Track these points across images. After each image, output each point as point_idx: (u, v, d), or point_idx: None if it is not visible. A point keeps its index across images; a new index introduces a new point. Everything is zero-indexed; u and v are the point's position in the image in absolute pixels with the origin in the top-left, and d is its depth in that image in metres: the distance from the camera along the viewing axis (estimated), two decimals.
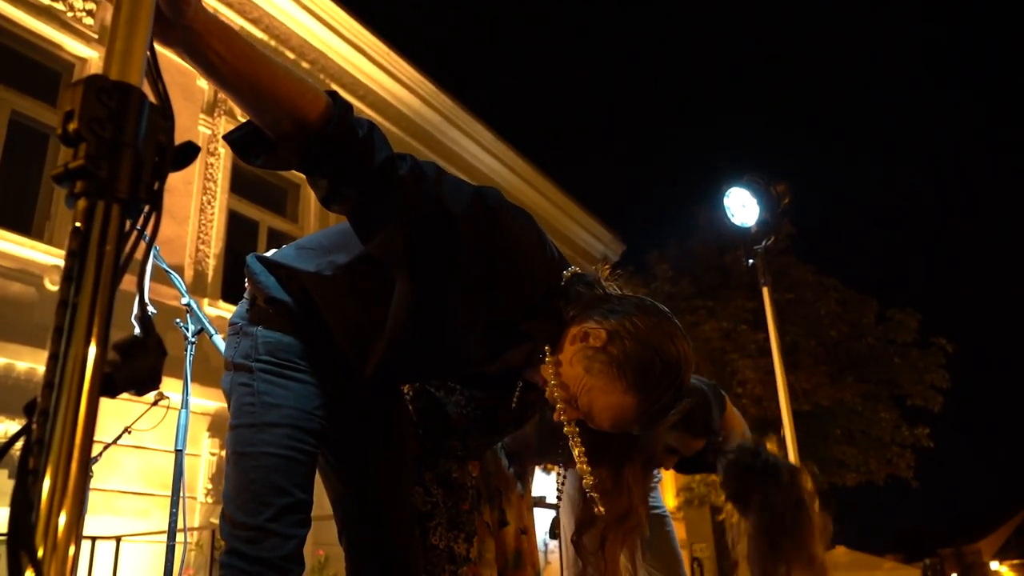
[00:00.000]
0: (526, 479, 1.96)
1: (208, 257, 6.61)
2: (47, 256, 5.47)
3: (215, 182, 6.88)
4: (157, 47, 0.75)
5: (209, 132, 6.87)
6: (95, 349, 0.52)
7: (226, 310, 6.44)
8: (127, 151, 0.57)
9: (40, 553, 0.47)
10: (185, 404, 2.63)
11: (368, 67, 8.60)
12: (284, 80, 0.98)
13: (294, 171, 1.09)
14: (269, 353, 1.27)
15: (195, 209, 6.61)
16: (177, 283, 2.58)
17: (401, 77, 8.94)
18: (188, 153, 0.64)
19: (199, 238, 6.58)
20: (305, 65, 7.97)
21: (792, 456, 2.75)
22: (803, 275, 11.74)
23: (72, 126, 0.55)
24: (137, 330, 0.60)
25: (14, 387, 5.04)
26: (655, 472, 2.09)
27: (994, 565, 28.51)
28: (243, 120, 1.04)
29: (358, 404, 1.37)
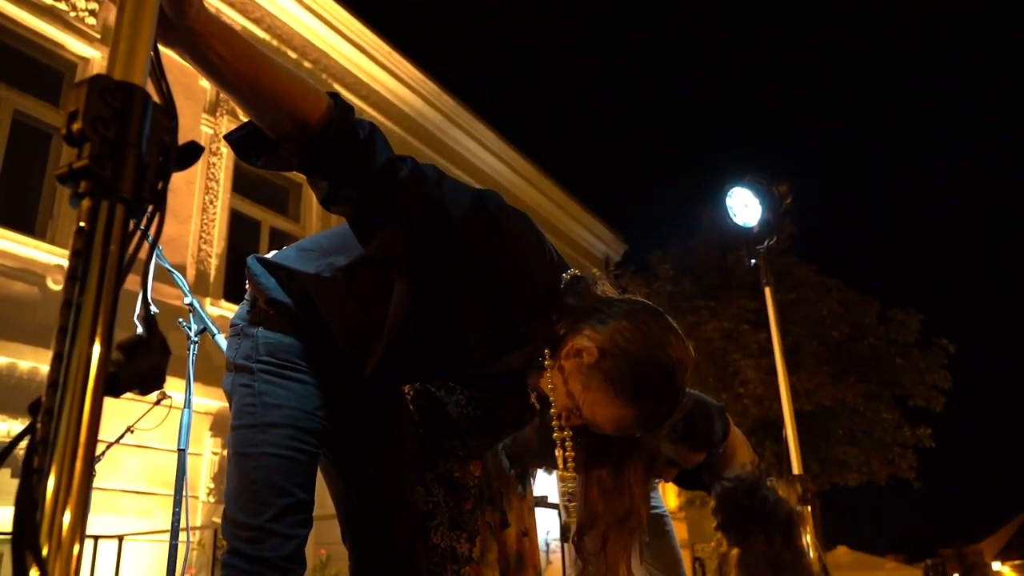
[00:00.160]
0: (527, 481, 1.96)
1: (210, 256, 6.62)
2: (49, 255, 5.48)
3: (217, 181, 6.89)
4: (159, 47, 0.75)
5: (211, 131, 6.88)
6: (99, 349, 0.52)
7: (228, 309, 6.45)
8: (131, 151, 0.57)
9: (45, 552, 0.47)
10: (188, 403, 2.63)
11: (370, 67, 8.61)
12: (285, 81, 0.98)
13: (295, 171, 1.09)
14: (270, 354, 1.28)
15: (197, 208, 6.62)
16: (180, 282, 2.58)
17: (403, 77, 8.95)
18: (192, 153, 0.64)
19: (201, 237, 6.59)
20: (307, 65, 7.98)
21: (794, 456, 2.75)
22: (805, 275, 11.73)
23: (76, 126, 0.55)
24: (140, 329, 0.60)
25: (16, 386, 5.05)
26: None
27: (996, 565, 28.47)
28: (245, 120, 1.04)
29: (358, 405, 1.37)
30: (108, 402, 0.53)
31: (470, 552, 1.56)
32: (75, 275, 0.53)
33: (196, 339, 2.62)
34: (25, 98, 5.78)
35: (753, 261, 3.18)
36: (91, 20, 6.11)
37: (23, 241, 5.37)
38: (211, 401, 5.93)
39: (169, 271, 2.57)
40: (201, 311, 2.57)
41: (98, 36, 6.11)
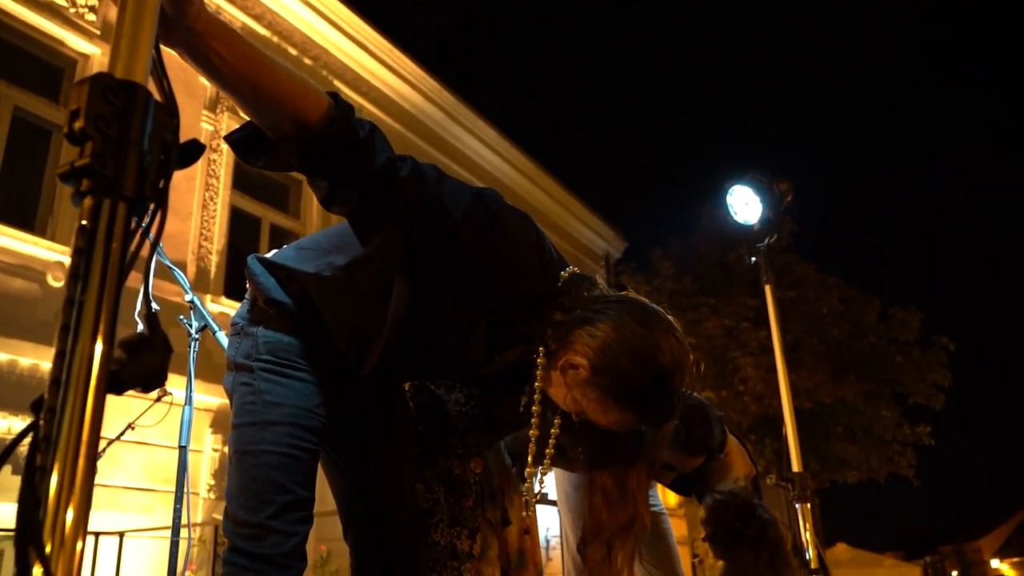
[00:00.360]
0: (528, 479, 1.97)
1: (211, 254, 6.62)
2: (50, 252, 5.48)
3: (217, 178, 6.88)
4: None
5: (212, 129, 6.87)
6: (101, 346, 0.52)
7: (229, 306, 6.45)
8: (133, 149, 0.57)
9: (48, 548, 0.48)
10: (188, 400, 2.64)
11: (371, 64, 8.60)
12: (285, 81, 0.98)
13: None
14: (270, 353, 1.28)
15: (198, 205, 6.62)
16: (180, 280, 2.58)
17: (404, 74, 8.94)
18: (193, 151, 0.64)
19: (202, 234, 6.59)
20: (307, 61, 7.97)
21: (794, 453, 2.75)
22: (805, 273, 11.75)
23: (78, 124, 0.55)
24: (142, 327, 0.60)
25: (17, 383, 5.05)
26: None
27: (995, 563, 28.53)
28: (245, 119, 1.04)
29: (358, 404, 1.38)
30: (109, 399, 0.53)
31: (470, 549, 1.56)
32: (77, 273, 0.53)
33: (197, 336, 2.62)
34: (25, 94, 5.77)
35: (753, 259, 3.17)
36: (91, 16, 6.10)
37: (23, 238, 5.37)
38: (212, 398, 5.93)
39: (170, 268, 2.57)
40: (202, 308, 2.58)
41: (98, 32, 6.10)
